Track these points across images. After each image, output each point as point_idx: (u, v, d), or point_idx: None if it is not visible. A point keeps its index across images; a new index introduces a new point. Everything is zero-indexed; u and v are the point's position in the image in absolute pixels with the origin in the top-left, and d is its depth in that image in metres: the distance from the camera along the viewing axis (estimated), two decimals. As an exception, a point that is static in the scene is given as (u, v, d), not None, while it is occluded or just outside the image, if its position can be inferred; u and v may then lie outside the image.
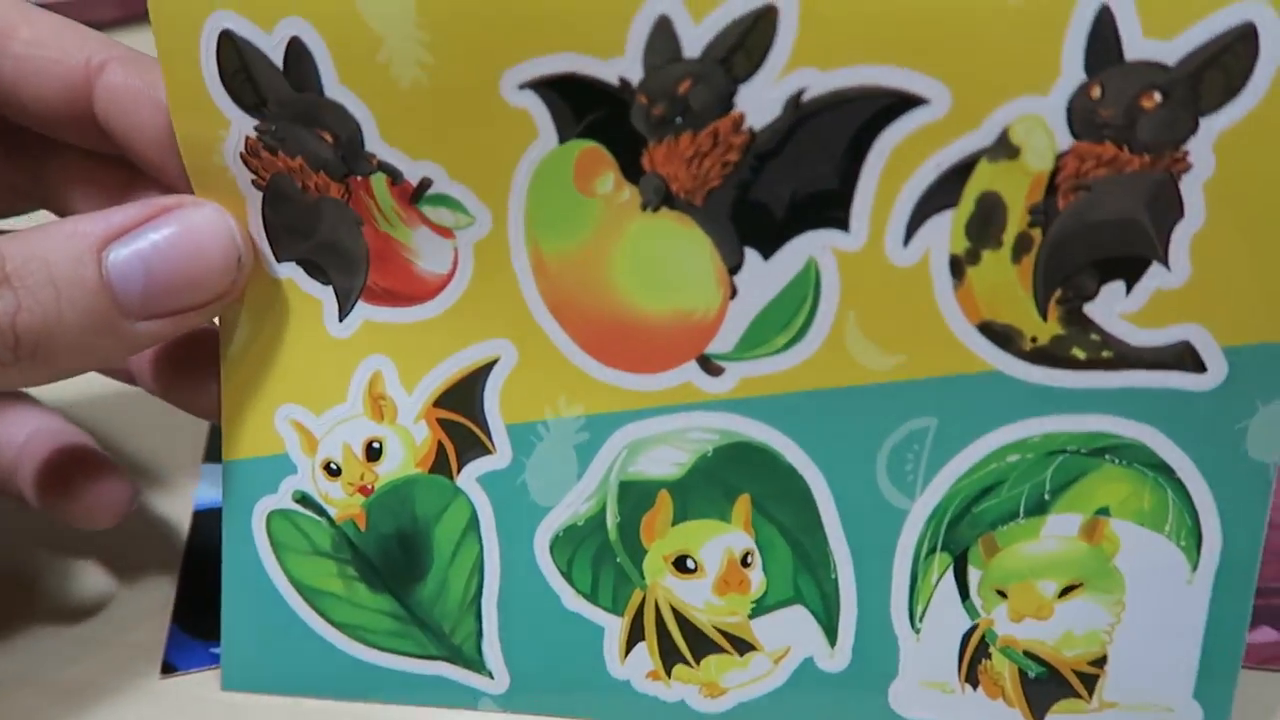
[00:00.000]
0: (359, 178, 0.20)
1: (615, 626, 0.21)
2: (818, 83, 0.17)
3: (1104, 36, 0.16)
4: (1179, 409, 0.18)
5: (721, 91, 0.18)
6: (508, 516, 0.21)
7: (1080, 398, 0.19)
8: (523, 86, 0.18)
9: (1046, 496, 0.19)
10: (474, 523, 0.21)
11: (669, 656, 0.21)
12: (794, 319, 0.19)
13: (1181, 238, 0.17)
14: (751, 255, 0.19)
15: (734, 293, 0.19)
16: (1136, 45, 0.16)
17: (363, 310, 0.21)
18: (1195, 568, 0.19)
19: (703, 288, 0.19)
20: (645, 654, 0.21)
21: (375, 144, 0.19)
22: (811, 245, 0.19)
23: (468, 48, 0.18)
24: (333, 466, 0.22)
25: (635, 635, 0.21)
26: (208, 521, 0.27)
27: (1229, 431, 0.18)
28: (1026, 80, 0.17)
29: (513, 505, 0.21)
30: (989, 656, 0.20)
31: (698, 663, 0.21)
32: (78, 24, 0.20)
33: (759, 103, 0.18)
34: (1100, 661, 0.20)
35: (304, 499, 0.22)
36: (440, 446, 0.21)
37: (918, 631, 0.20)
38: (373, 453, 0.21)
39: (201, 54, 0.19)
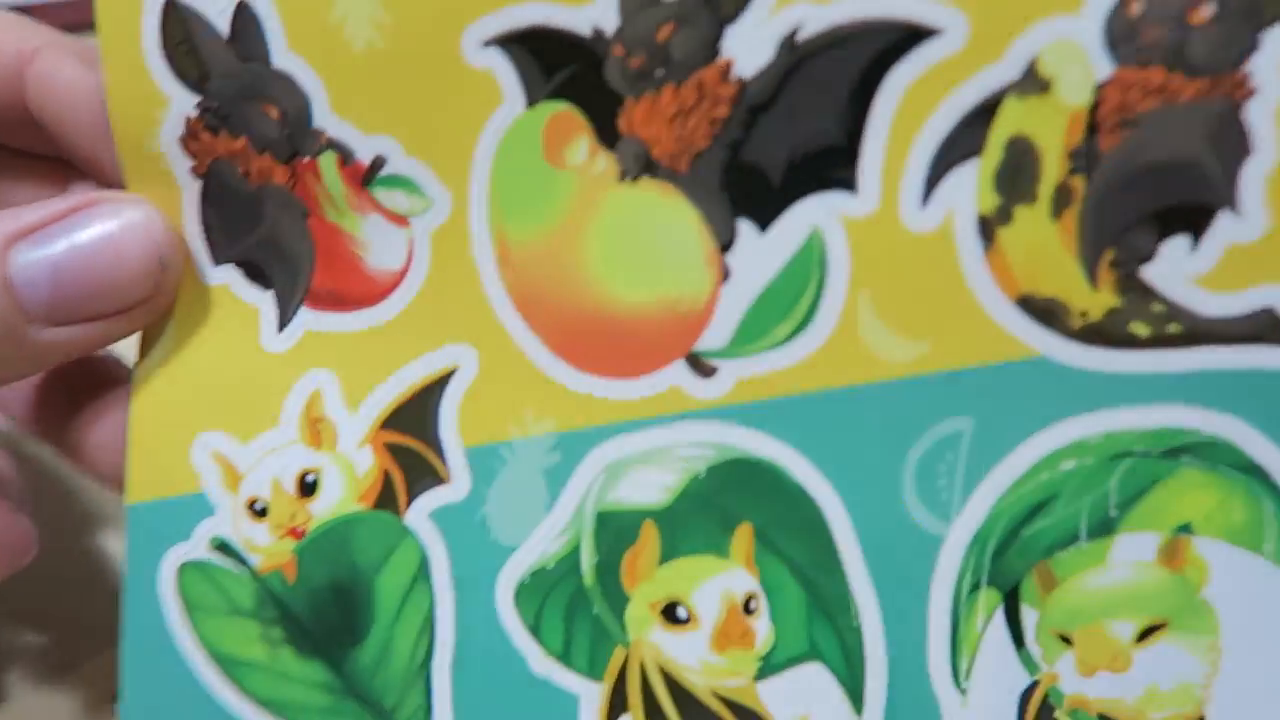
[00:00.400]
0: (306, 159, 0.17)
1: (593, 695, 0.17)
2: (815, 18, 0.15)
3: None
4: (1269, 394, 0.14)
5: (707, 35, 0.15)
6: (465, 560, 0.17)
7: (1146, 385, 0.15)
8: (487, 44, 0.16)
9: (1113, 512, 0.15)
10: (424, 569, 0.17)
11: None
12: (797, 304, 0.16)
13: (1253, 178, 0.14)
14: (745, 228, 0.16)
15: (726, 275, 0.16)
16: None
17: (304, 317, 0.18)
18: None
19: (690, 271, 0.16)
20: None
21: (325, 118, 0.17)
22: (815, 212, 0.15)
23: (427, 2, 0.17)
24: (258, 505, 0.18)
25: (617, 706, 0.17)
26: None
27: None
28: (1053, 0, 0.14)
29: (471, 546, 0.17)
30: None
31: None
32: (5, 11, 0.19)
33: (749, 45, 0.15)
34: None
35: (222, 546, 0.18)
36: (387, 477, 0.18)
37: (964, 692, 0.16)
38: (307, 487, 0.18)
39: (144, 24, 0.18)
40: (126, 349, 0.20)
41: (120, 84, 0.18)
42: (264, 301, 0.19)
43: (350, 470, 0.18)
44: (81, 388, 0.21)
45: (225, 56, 0.17)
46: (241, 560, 0.18)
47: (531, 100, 0.17)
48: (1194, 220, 0.15)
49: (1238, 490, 0.15)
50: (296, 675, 0.18)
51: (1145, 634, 0.16)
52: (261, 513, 0.18)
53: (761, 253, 0.16)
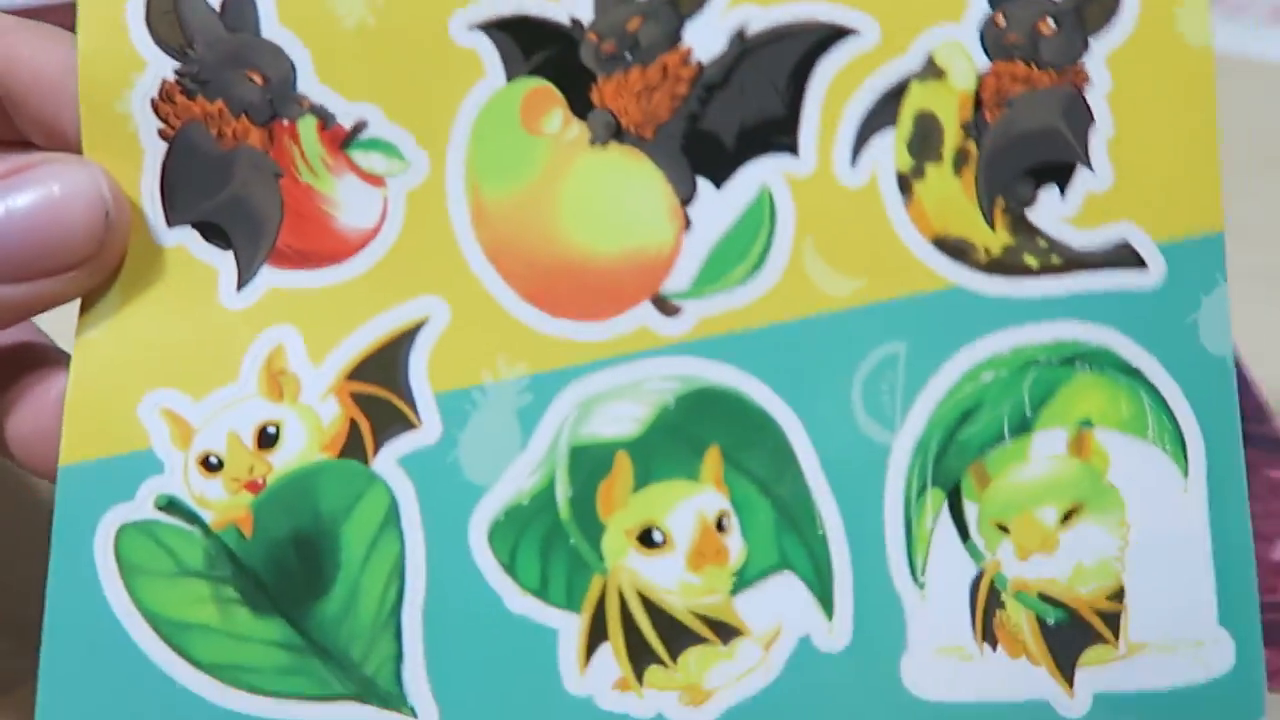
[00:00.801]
0: (285, 122, 0.19)
1: (572, 627, 0.18)
2: (759, 18, 0.19)
3: None
4: (1133, 309, 0.19)
5: (670, 27, 0.19)
6: (436, 502, 0.18)
7: (1040, 306, 0.19)
8: (472, 27, 0.19)
9: (1028, 414, 0.19)
10: (393, 513, 0.18)
11: (639, 657, 0.18)
12: (751, 248, 0.19)
13: (1098, 143, 0.19)
14: (704, 185, 0.19)
15: (688, 225, 0.19)
16: None
17: (267, 276, 0.19)
18: (1186, 473, 0.18)
19: (655, 222, 0.19)
20: (610, 657, 0.17)
21: (309, 85, 0.19)
22: (763, 171, 0.19)
23: None
24: (212, 460, 0.18)
25: (597, 635, 0.18)
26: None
27: (1181, 326, 0.19)
28: (941, 10, 0.19)
29: (442, 488, 0.18)
30: (1003, 606, 0.18)
31: (675, 660, 0.18)
32: None
33: (705, 37, 0.19)
34: (1118, 595, 0.18)
35: (170, 504, 0.18)
36: (353, 426, 0.18)
37: (922, 587, 0.18)
38: (267, 439, 0.18)
39: None
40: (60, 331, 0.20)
41: (95, 45, 0.19)
42: (223, 261, 0.19)
43: (314, 421, 0.19)
44: (9, 375, 0.19)
45: (212, 25, 0.19)
46: (192, 517, 0.18)
47: (511, 76, 0.19)
48: (1060, 174, 0.19)
49: (1122, 388, 0.19)
50: (252, 635, 0.17)
51: (1066, 517, 0.19)
52: (215, 467, 0.18)
53: (719, 205, 0.19)
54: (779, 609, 0.18)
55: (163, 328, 0.18)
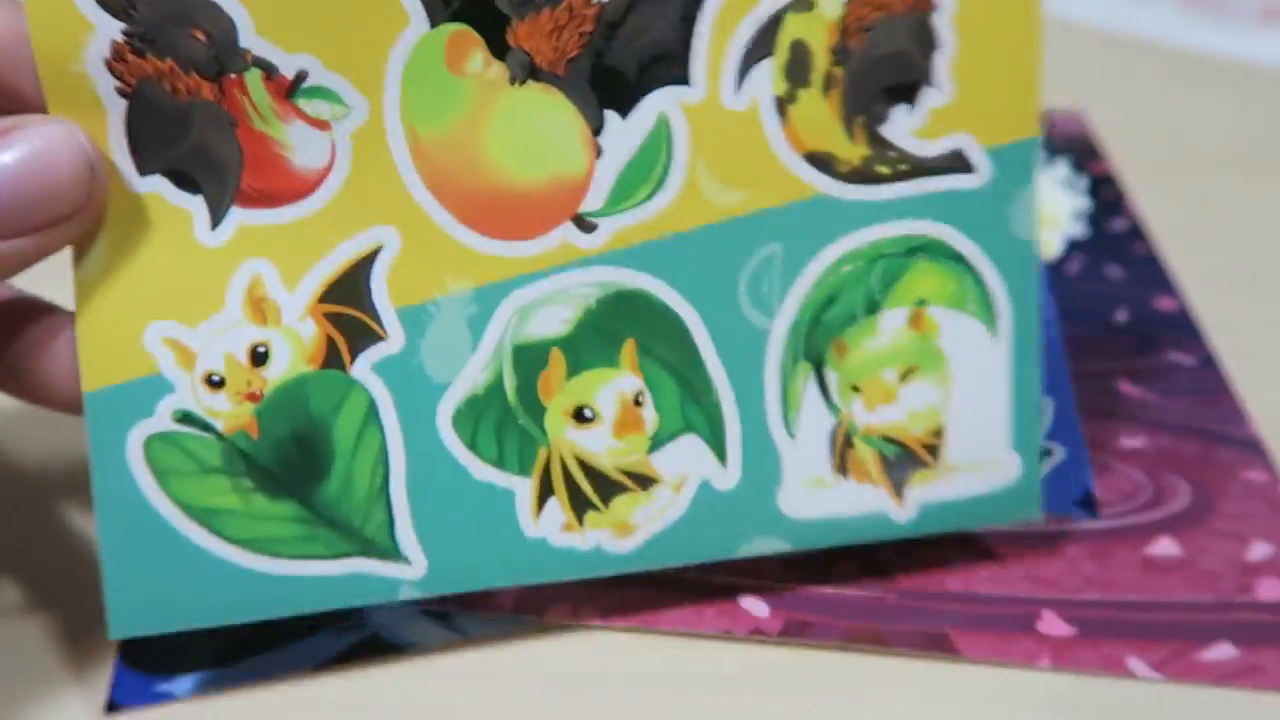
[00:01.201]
0: (233, 76, 0.20)
1: (525, 488, 0.22)
2: None
3: None
4: (962, 206, 0.22)
5: None
6: (407, 399, 0.21)
7: (890, 208, 0.22)
8: None
9: (877, 297, 0.22)
10: (373, 411, 0.21)
11: (579, 505, 0.22)
12: (653, 169, 0.21)
13: (941, 63, 0.22)
14: (611, 116, 0.21)
15: (599, 153, 0.21)
16: None
17: (237, 215, 0.21)
18: (995, 334, 0.22)
19: (571, 151, 0.21)
20: (557, 508, 0.22)
21: (250, 39, 0.20)
22: (661, 101, 0.21)
23: None
24: (215, 378, 0.21)
25: (545, 492, 0.22)
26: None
27: (999, 217, 0.22)
28: None
29: (411, 387, 0.21)
30: (853, 446, 0.22)
31: (606, 505, 0.22)
32: None
33: None
34: (939, 432, 0.23)
35: (185, 417, 0.21)
36: (330, 341, 0.21)
37: (793, 436, 0.22)
38: (258, 357, 0.21)
39: None
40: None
41: (43, 11, 0.19)
42: (195, 204, 0.21)
43: (296, 339, 0.22)
44: (13, 328, 0.21)
45: None
46: (206, 426, 0.21)
47: (434, 22, 0.21)
48: (909, 93, 0.22)
49: (950, 272, 0.23)
50: (271, 514, 0.21)
51: (904, 376, 0.23)
52: (219, 384, 0.21)
53: (624, 134, 0.22)
54: (685, 461, 0.22)
55: (152, 266, 0.21)
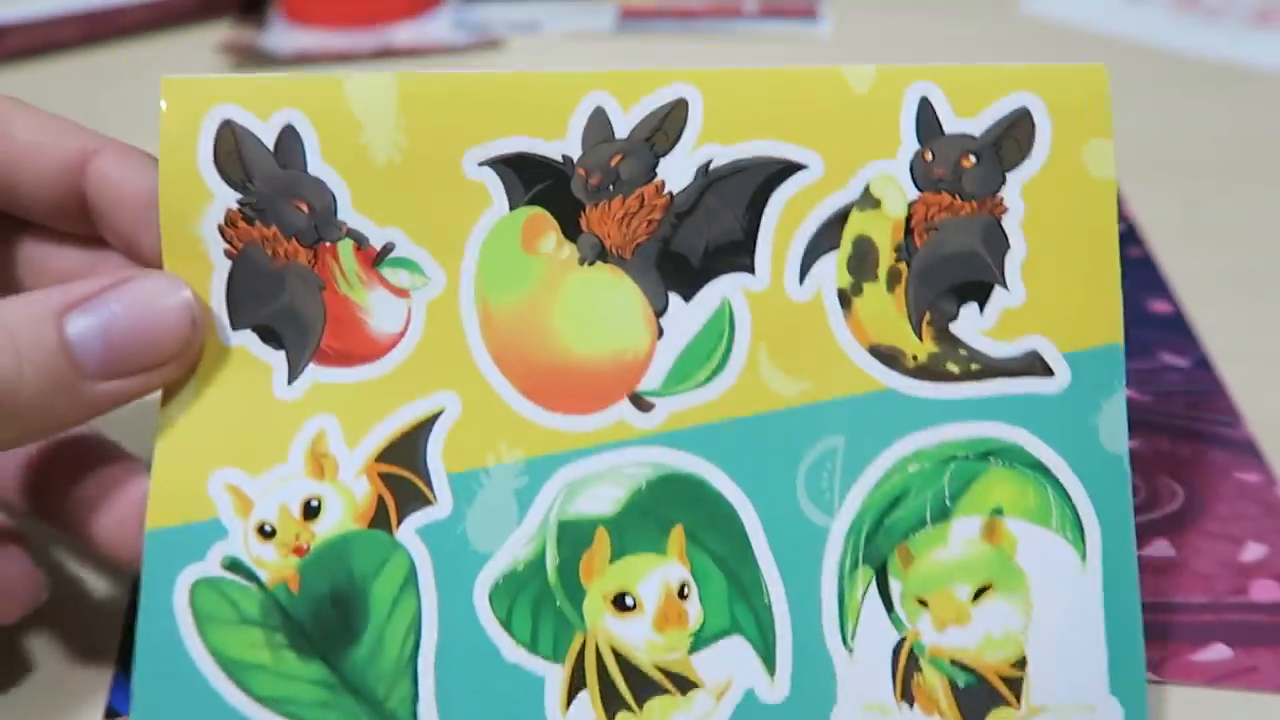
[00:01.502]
0: (328, 244, 0.21)
1: (556, 676, 0.20)
2: (721, 155, 0.21)
3: (927, 117, 0.21)
4: (1041, 411, 0.20)
5: (646, 163, 0.21)
6: (447, 567, 0.20)
7: (961, 407, 0.20)
8: (481, 164, 0.21)
9: (948, 502, 0.20)
10: (412, 576, 0.20)
11: (611, 703, 0.20)
12: (714, 353, 0.21)
13: (1013, 266, 0.21)
14: (674, 299, 0.21)
15: (661, 333, 0.21)
16: (951, 123, 0.21)
17: (312, 372, 0.21)
18: (1084, 558, 0.20)
19: (633, 330, 0.21)
20: (587, 703, 0.20)
21: (347, 213, 0.21)
22: (725, 287, 0.21)
23: (437, 133, 0.21)
24: (267, 528, 0.20)
25: (577, 683, 0.20)
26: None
27: (1084, 428, 0.20)
28: (877, 148, 0.21)
29: (453, 555, 0.20)
30: (920, 670, 0.20)
31: (640, 707, 0.20)
32: (70, 119, 0.22)
33: (676, 171, 0.21)
34: (1021, 663, 0.20)
35: (234, 564, 0.20)
36: (380, 501, 0.21)
37: (851, 650, 0.20)
38: (310, 511, 0.21)
39: (200, 139, 0.21)
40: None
41: (172, 181, 0.21)
42: (276, 359, 0.22)
43: (349, 496, 0.21)
44: (79, 469, 0.22)
45: (268, 164, 0.21)
46: (251, 576, 0.20)
47: (513, 205, 0.21)
48: (979, 292, 0.21)
49: (1030, 481, 0.21)
50: (297, 674, 0.20)
51: (978, 594, 0.20)
52: (270, 534, 0.21)
53: (687, 316, 0.21)
54: (729, 666, 0.20)
55: (228, 414, 0.21)
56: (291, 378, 0.21)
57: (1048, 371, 0.21)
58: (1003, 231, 0.21)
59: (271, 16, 0.57)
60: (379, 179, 0.21)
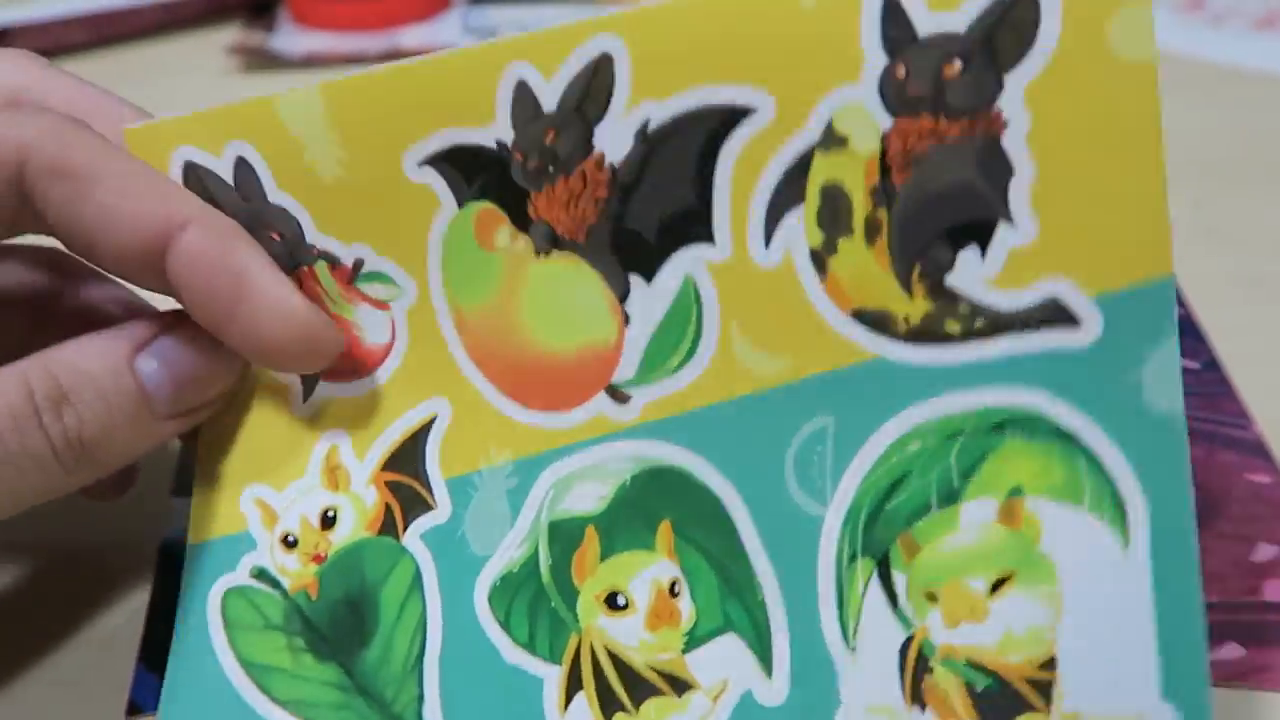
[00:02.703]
0: (306, 267, 0.21)
1: (554, 676, 0.20)
2: (658, 112, 0.18)
3: (895, 19, 0.17)
4: (1065, 369, 0.17)
5: (581, 135, 0.19)
6: (449, 571, 0.21)
7: (965, 373, 0.17)
8: (421, 164, 0.20)
9: (956, 483, 0.17)
10: (418, 580, 0.21)
11: (608, 705, 0.20)
12: (683, 337, 0.19)
13: (1019, 194, 0.17)
14: (636, 281, 0.19)
15: (627, 320, 0.19)
16: (925, 21, 0.17)
17: (323, 389, 0.22)
18: (1126, 541, 0.16)
19: (599, 319, 0.20)
20: (585, 705, 0.20)
21: (313, 236, 0.21)
22: (685, 262, 0.19)
23: (371, 139, 0.20)
24: (290, 538, 0.22)
25: (574, 684, 0.20)
26: (175, 557, 0.26)
27: (1122, 386, 0.16)
28: (836, 72, 0.17)
29: (454, 559, 0.21)
30: (930, 671, 0.18)
31: (637, 709, 0.19)
32: (160, 173, 0.20)
33: (614, 139, 0.19)
34: (1050, 664, 0.17)
35: (261, 573, 0.22)
36: (388, 508, 0.21)
37: (853, 650, 0.18)
38: (327, 521, 0.22)
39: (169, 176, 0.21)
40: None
41: None
42: (292, 378, 0.23)
43: (360, 505, 0.22)
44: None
45: (233, 199, 0.22)
46: (276, 584, 0.22)
47: (461, 202, 0.20)
48: (979, 233, 0.18)
49: (1054, 453, 0.17)
50: (314, 677, 0.22)
51: (996, 586, 0.18)
52: (292, 544, 0.22)
53: (651, 298, 0.20)
54: (725, 666, 0.19)
55: (258, 434, 0.23)
56: (306, 395, 0.23)
57: (1071, 322, 0.17)
58: (1003, 152, 0.17)
59: (280, 19, 0.54)
60: (331, 197, 0.21)
